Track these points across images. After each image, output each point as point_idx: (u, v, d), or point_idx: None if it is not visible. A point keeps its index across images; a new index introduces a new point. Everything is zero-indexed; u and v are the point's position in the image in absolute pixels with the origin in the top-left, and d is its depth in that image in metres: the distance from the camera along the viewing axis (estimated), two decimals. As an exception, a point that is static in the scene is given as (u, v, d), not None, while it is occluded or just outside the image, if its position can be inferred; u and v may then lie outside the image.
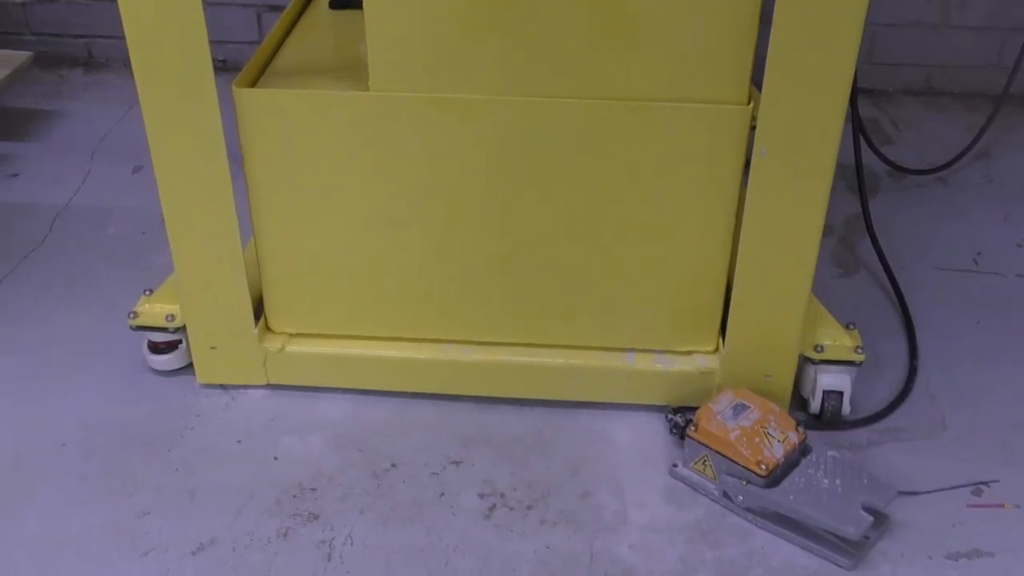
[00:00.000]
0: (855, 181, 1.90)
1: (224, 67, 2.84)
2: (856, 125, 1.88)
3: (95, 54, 2.89)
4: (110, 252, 2.06)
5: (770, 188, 1.43)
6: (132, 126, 2.56)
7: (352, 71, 1.51)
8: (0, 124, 2.56)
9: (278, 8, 2.78)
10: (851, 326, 1.64)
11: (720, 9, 1.35)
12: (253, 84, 1.51)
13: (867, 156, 2.02)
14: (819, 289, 1.64)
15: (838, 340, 1.61)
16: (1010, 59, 2.63)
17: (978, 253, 2.09)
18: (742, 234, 1.49)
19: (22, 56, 2.47)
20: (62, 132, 2.55)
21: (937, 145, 2.49)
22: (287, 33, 1.73)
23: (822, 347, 1.60)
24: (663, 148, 1.44)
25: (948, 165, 2.35)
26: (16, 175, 2.35)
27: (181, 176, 1.50)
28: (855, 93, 1.71)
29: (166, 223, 1.54)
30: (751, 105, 1.41)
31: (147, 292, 1.71)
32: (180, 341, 1.69)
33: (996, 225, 2.19)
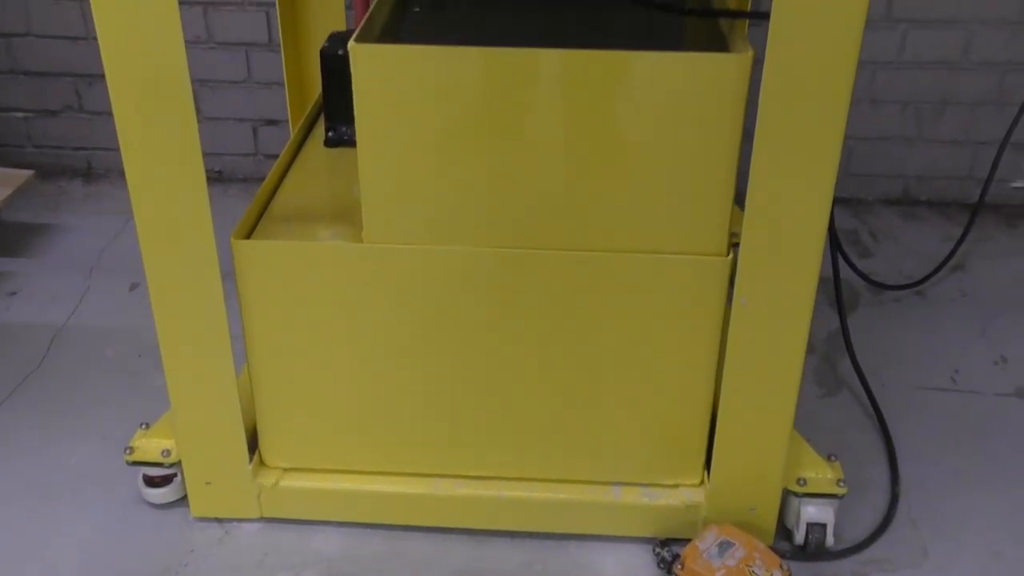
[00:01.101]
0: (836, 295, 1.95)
1: (219, 177, 2.91)
2: (833, 243, 1.94)
3: (95, 165, 2.96)
4: (107, 376, 2.10)
5: (750, 333, 1.48)
6: (129, 240, 2.60)
7: (347, 216, 1.57)
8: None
9: (274, 122, 2.86)
10: (832, 458, 1.68)
11: (697, 164, 1.42)
12: (250, 232, 1.56)
13: (847, 269, 2.09)
14: (802, 411, 1.68)
15: (820, 473, 1.65)
16: (982, 170, 2.73)
17: (956, 371, 2.14)
18: (724, 373, 1.53)
19: (24, 175, 2.53)
20: (61, 247, 2.60)
21: (915, 256, 2.57)
22: (285, 172, 1.79)
23: (805, 480, 1.64)
24: (645, 296, 1.50)
25: (925, 280, 2.42)
26: (15, 293, 2.40)
27: (174, 297, 1.53)
28: (832, 212, 1.77)
29: (163, 358, 1.58)
30: (730, 257, 1.47)
31: (143, 426, 1.75)
32: (175, 475, 1.72)
33: (973, 340, 2.24)
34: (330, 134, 1.89)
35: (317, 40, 2.32)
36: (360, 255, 1.50)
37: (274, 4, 2.24)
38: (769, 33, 1.26)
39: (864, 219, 2.78)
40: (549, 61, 1.36)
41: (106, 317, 2.31)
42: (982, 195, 2.52)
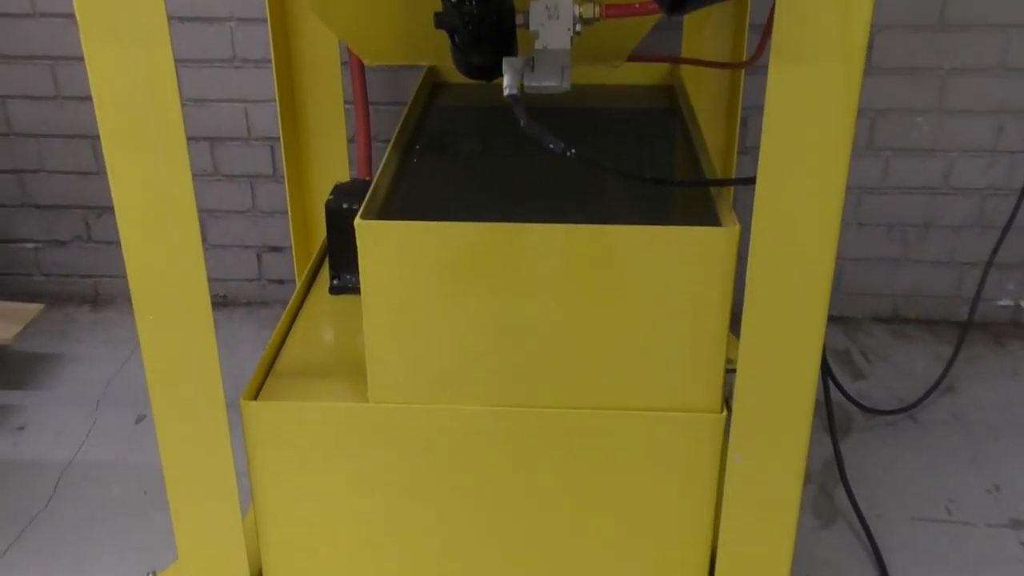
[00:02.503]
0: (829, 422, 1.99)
1: (224, 302, 2.98)
2: (825, 370, 1.98)
3: (102, 292, 3.03)
4: (114, 515, 2.13)
5: (745, 488, 1.53)
6: (135, 369, 2.67)
7: (352, 371, 1.63)
8: (8, 372, 2.66)
9: (277, 248, 2.94)
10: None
11: (689, 328, 1.48)
12: (258, 392, 1.62)
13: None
14: (799, 543, 1.70)
15: (818, 618, 1.68)
16: (969, 289, 2.81)
17: (950, 500, 2.17)
18: (722, 524, 1.57)
19: (34, 309, 2.59)
20: (68, 378, 2.65)
21: (906, 377, 2.62)
22: (291, 323, 1.85)
23: (803, 626, 1.67)
24: (642, 452, 1.55)
25: (917, 403, 2.47)
26: (23, 428, 2.44)
27: (181, 430, 1.56)
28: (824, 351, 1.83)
29: (170, 503, 1.61)
30: (724, 414, 1.53)
31: (151, 574, 1.77)
32: (182, 625, 1.75)
33: (965, 468, 2.28)
34: (335, 282, 1.95)
35: (320, 171, 2.42)
36: (364, 415, 1.55)
37: (279, 138, 2.33)
38: (755, 197, 1.33)
39: (855, 338, 2.84)
40: (545, 235, 1.43)
41: (112, 452, 2.34)
42: (970, 316, 2.59)
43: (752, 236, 1.36)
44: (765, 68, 1.26)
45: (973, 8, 2.50)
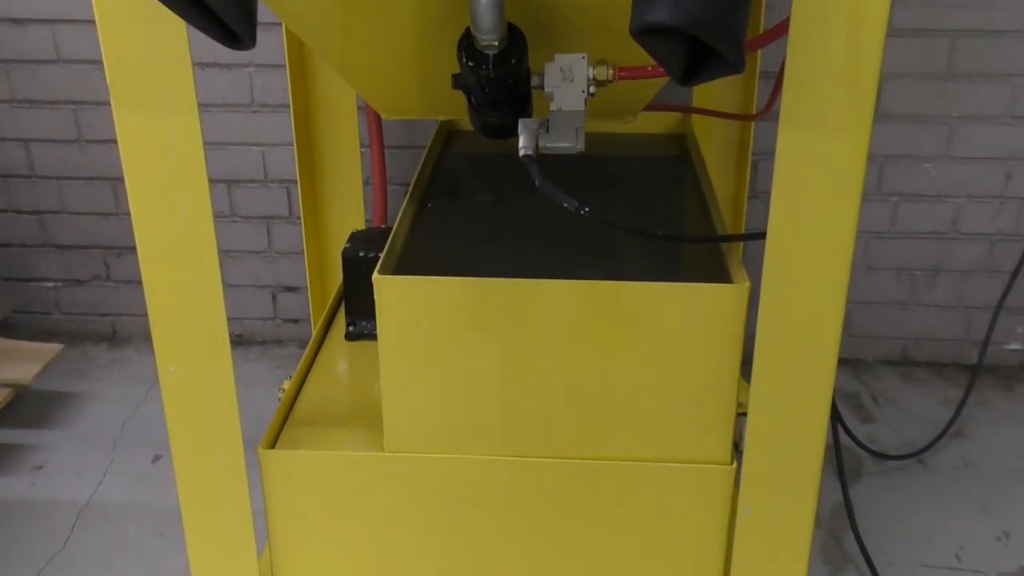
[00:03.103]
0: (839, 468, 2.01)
1: (239, 341, 3.01)
2: (834, 415, 2.00)
3: (119, 330, 3.07)
4: (129, 558, 2.15)
5: (756, 538, 1.54)
6: (151, 409, 2.71)
7: (368, 418, 1.66)
8: (27, 411, 2.70)
9: (292, 288, 2.98)
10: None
11: (699, 381, 1.51)
12: (275, 440, 1.64)
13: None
14: (809, 590, 1.73)
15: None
16: (978, 333, 2.83)
17: (960, 548, 2.18)
18: (732, 573, 1.59)
19: (53, 349, 2.63)
20: (86, 417, 2.69)
21: (916, 421, 2.63)
22: (308, 369, 1.88)
23: (813, 676, 1.68)
24: (653, 502, 1.57)
25: (927, 448, 2.48)
26: (41, 467, 2.47)
27: (199, 472, 1.59)
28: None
29: (187, 539, 1.64)
30: (734, 466, 1.55)
31: (167, 618, 1.80)
32: (198, 670, 1.76)
33: (975, 514, 2.29)
34: (350, 328, 1.99)
35: (336, 213, 2.46)
36: (381, 464, 1.58)
37: (295, 180, 2.38)
38: (766, 252, 1.36)
39: (865, 380, 2.85)
40: (557, 290, 1.46)
41: (129, 492, 2.37)
42: (980, 360, 2.61)
43: (762, 289, 1.39)
44: (776, 114, 1.29)
45: (980, 58, 2.54)
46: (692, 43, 1.04)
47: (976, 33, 2.52)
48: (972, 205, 2.71)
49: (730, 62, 1.03)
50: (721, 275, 1.50)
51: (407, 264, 1.57)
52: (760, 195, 2.66)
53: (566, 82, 1.40)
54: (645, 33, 1.01)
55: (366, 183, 2.46)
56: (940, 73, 2.57)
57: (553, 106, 1.41)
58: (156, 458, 2.49)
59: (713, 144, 2.41)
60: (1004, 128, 2.61)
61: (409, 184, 1.85)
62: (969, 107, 2.60)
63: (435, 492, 1.59)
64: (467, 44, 1.36)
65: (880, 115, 2.63)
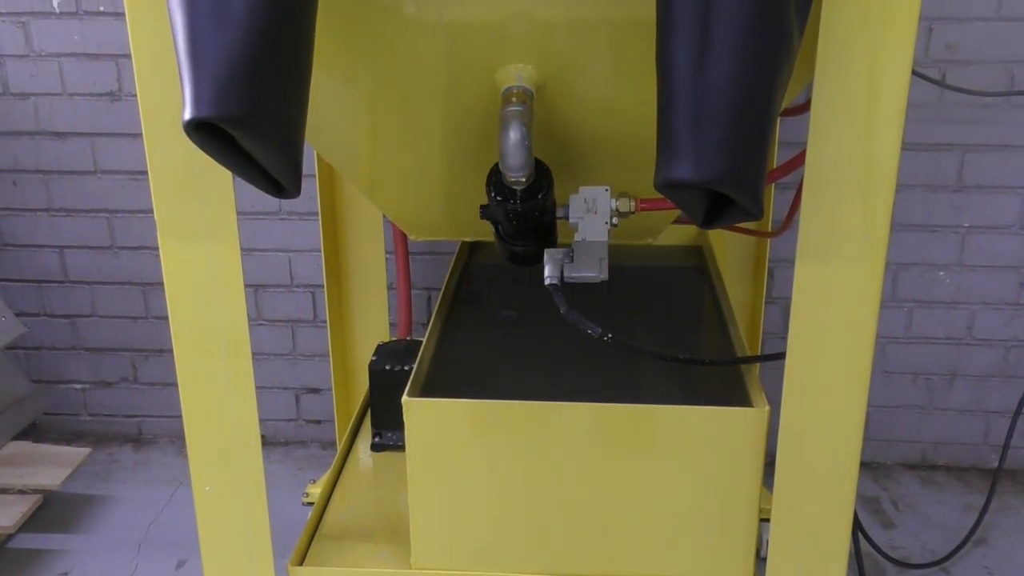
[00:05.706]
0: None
1: (263, 441, 3.03)
2: (855, 525, 2.02)
3: (144, 432, 3.11)
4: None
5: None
6: (176, 512, 2.73)
7: (395, 533, 1.69)
8: (53, 515, 2.72)
9: (315, 390, 3.02)
10: None
11: (721, 499, 1.54)
12: (303, 557, 1.67)
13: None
14: None
15: None
16: (996, 437, 2.83)
17: (986, 662, 2.16)
18: None
19: (81, 454, 2.67)
20: (111, 521, 2.71)
21: (937, 528, 2.63)
22: (335, 481, 1.91)
23: None
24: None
25: (949, 557, 2.47)
26: (67, 573, 2.49)
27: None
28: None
29: None
30: (756, 584, 1.57)
31: None
32: None
33: (1001, 626, 2.28)
34: (376, 439, 2.03)
35: (360, 317, 2.53)
36: (408, 582, 1.61)
37: (320, 285, 2.44)
38: (785, 372, 1.41)
39: (884, 485, 2.85)
40: (580, 413, 1.51)
41: (153, 600, 2.39)
42: (1000, 465, 2.61)
43: (783, 407, 1.43)
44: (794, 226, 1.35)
45: (989, 172, 2.61)
46: (713, 193, 1.10)
47: (985, 148, 2.59)
48: (986, 312, 2.75)
49: (749, 212, 1.09)
50: (740, 397, 1.54)
51: (434, 385, 1.61)
52: (777, 300, 2.71)
53: (590, 213, 1.46)
54: (668, 187, 1.07)
55: (390, 287, 2.52)
56: (950, 185, 2.64)
57: (577, 236, 1.47)
58: (180, 563, 2.51)
59: (729, 255, 2.47)
60: (1015, 238, 2.66)
61: (431, 290, 1.91)
62: (980, 217, 2.66)
63: (461, 609, 1.61)
64: (495, 179, 1.43)
65: (893, 225, 2.67)
